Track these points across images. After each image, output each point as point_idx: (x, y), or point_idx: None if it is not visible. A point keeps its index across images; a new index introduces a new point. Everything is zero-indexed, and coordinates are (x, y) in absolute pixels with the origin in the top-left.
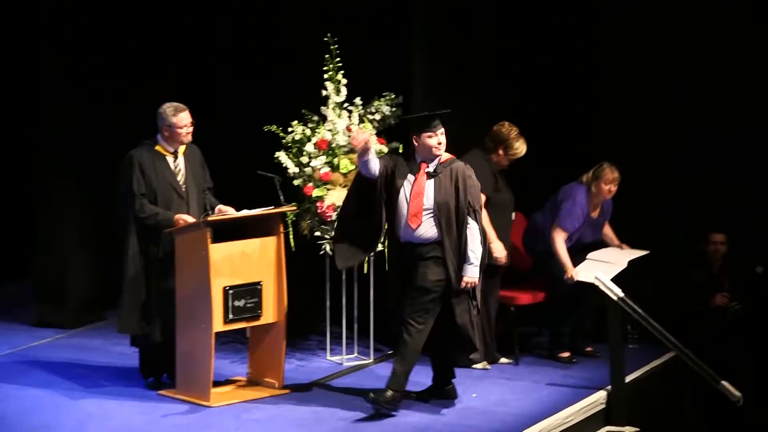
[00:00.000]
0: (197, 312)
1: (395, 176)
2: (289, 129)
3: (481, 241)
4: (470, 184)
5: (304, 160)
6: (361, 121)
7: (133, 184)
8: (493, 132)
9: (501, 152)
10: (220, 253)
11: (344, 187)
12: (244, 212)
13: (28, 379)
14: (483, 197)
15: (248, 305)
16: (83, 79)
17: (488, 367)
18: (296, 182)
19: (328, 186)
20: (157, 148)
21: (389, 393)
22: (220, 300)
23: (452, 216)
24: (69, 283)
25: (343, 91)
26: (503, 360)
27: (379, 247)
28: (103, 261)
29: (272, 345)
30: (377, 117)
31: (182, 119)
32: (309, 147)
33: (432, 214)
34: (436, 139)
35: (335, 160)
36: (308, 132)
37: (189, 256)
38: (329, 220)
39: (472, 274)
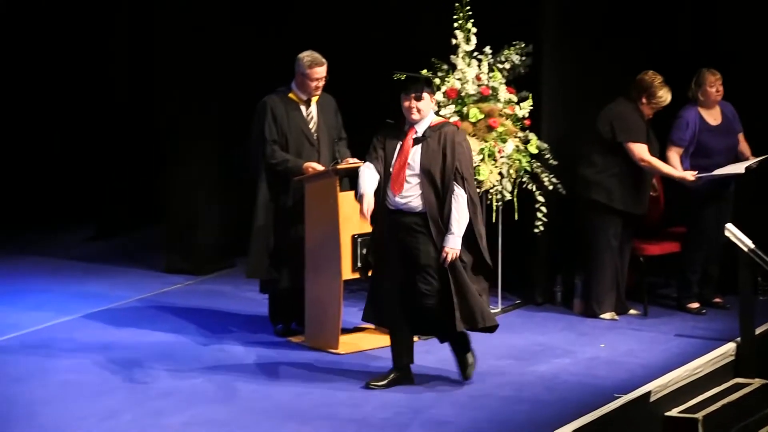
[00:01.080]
0: (326, 260)
1: (386, 151)
2: None
3: (471, 211)
4: (460, 150)
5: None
6: (491, 69)
7: (265, 130)
8: (637, 81)
9: (644, 101)
10: (349, 201)
11: (473, 136)
12: None
13: (158, 324)
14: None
15: None
16: (215, 27)
17: (617, 317)
18: None
19: None
20: (291, 95)
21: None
22: (348, 248)
23: (437, 182)
24: (199, 230)
25: (473, 39)
26: (632, 311)
27: (507, 196)
28: (234, 208)
29: None
30: (506, 66)
31: (316, 72)
32: (438, 96)
33: (417, 181)
34: (408, 104)
35: (464, 109)
36: (438, 81)
37: (318, 204)
38: None
39: (453, 244)
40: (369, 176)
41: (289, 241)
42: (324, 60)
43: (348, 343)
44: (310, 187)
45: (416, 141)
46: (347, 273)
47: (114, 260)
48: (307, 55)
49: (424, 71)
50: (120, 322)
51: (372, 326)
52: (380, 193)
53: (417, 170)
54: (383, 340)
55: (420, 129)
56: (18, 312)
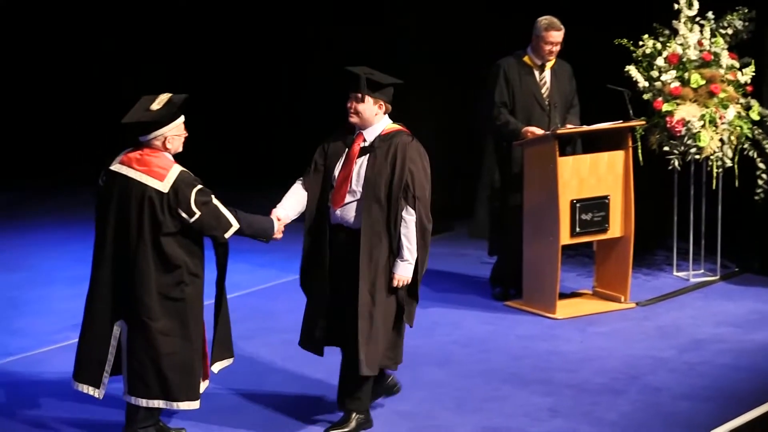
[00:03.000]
0: (544, 225)
1: (330, 159)
2: (640, 43)
3: (418, 235)
4: (412, 165)
5: (654, 74)
6: (713, 35)
7: (495, 93)
8: None
9: None
10: (568, 166)
11: (694, 102)
12: (594, 126)
13: None
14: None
15: (595, 219)
16: None
17: None
18: (646, 96)
19: (677, 101)
20: (525, 59)
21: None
22: (567, 213)
23: (382, 198)
24: None
25: (695, 4)
26: None
27: (728, 163)
28: (455, 171)
29: (618, 259)
30: (729, 31)
31: (551, 36)
32: (659, 61)
33: (360, 195)
34: (348, 104)
35: (686, 75)
36: (659, 46)
37: (537, 168)
38: (678, 135)
39: (402, 272)
40: (290, 198)
41: (510, 206)
42: (561, 25)
43: (565, 308)
44: (529, 152)
45: (363, 151)
46: (565, 238)
47: None
48: (544, 19)
49: (646, 36)
50: None
51: (589, 291)
52: (317, 206)
53: (361, 183)
54: (602, 305)
55: (369, 137)
56: (244, 273)
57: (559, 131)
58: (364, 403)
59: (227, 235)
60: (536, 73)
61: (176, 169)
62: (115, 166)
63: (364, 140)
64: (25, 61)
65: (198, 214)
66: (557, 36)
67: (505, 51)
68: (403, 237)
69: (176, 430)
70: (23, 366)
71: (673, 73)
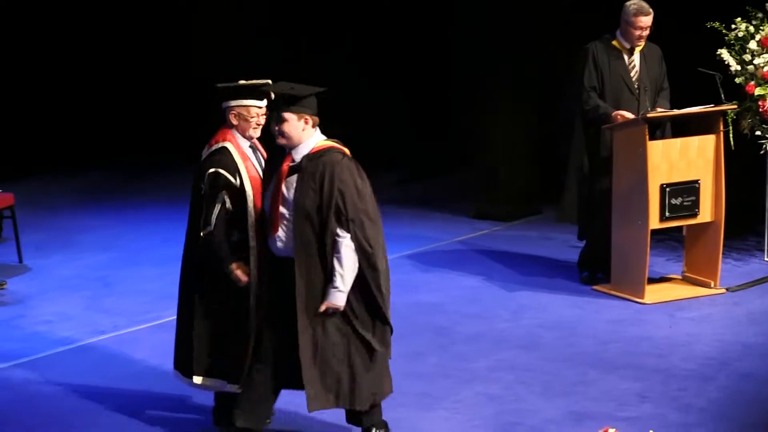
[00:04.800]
0: (633, 209)
1: (267, 181)
2: (733, 26)
3: (362, 260)
4: (341, 185)
5: (747, 57)
6: None
7: (584, 77)
8: None
9: None
10: (657, 150)
11: None
12: (684, 110)
13: (466, 268)
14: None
15: (685, 203)
16: None
17: None
18: (738, 80)
19: None
20: (614, 42)
21: None
22: (656, 197)
23: (314, 221)
24: (507, 177)
25: None
26: None
27: None
28: (543, 155)
29: (708, 244)
30: None
31: (640, 21)
32: (752, 44)
33: (293, 219)
34: (272, 127)
35: None
36: (752, 29)
37: (626, 152)
38: None
39: (334, 300)
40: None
41: (601, 189)
42: (650, 9)
43: (654, 293)
44: (619, 136)
45: (292, 170)
46: (655, 222)
47: (425, 204)
48: (633, 3)
49: (738, 20)
50: (427, 265)
51: (679, 276)
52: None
53: (291, 207)
54: (690, 290)
55: (297, 155)
56: None
57: (649, 115)
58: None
59: (202, 232)
60: (625, 56)
61: (219, 145)
62: None
63: (293, 160)
64: (143, 41)
65: (203, 190)
66: (646, 21)
67: (593, 35)
68: (335, 262)
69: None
70: (114, 344)
71: (766, 56)
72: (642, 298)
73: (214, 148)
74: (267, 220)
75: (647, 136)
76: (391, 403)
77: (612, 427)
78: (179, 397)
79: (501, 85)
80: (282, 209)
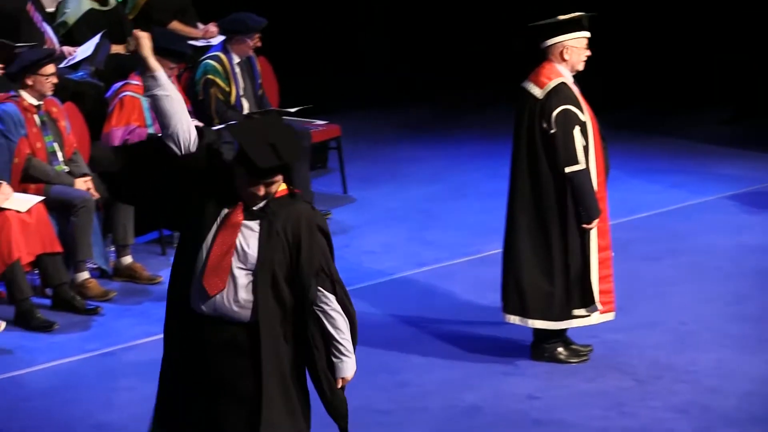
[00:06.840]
0: None
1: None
2: None
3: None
4: (320, 241)
5: None
6: None
7: None
8: None
9: None
10: None
11: None
12: None
13: None
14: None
15: None
16: None
17: None
18: None
19: None
20: None
21: None
22: None
23: (281, 283)
24: None
25: None
26: None
27: None
28: None
29: None
30: None
31: None
32: None
33: (251, 277)
34: (255, 189)
35: None
36: None
37: None
38: None
39: (347, 371)
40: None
41: None
42: None
43: None
44: None
45: (251, 215)
46: None
47: (750, 144)
48: None
49: None
50: (752, 206)
51: None
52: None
53: (252, 261)
54: None
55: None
56: (655, 193)
57: None
58: None
59: (568, 168)
60: None
61: (559, 80)
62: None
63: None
64: None
65: (554, 130)
66: None
67: None
68: (332, 331)
69: (582, 347)
70: (435, 278)
71: None
72: None
73: (551, 85)
74: (201, 272)
75: None
76: (713, 344)
77: None
78: (494, 334)
79: None
80: (236, 262)
